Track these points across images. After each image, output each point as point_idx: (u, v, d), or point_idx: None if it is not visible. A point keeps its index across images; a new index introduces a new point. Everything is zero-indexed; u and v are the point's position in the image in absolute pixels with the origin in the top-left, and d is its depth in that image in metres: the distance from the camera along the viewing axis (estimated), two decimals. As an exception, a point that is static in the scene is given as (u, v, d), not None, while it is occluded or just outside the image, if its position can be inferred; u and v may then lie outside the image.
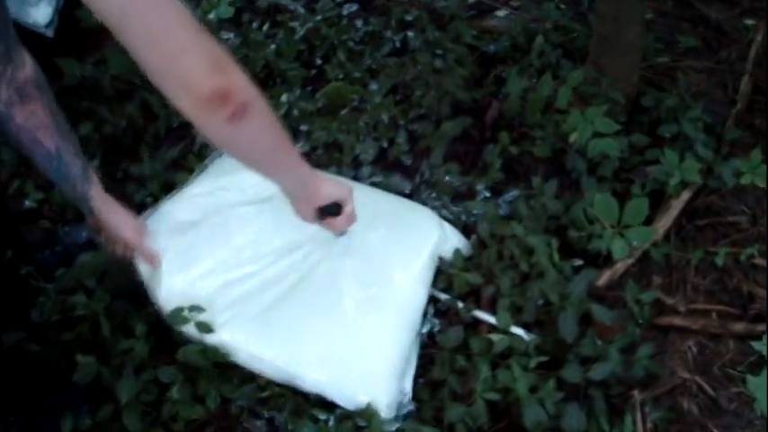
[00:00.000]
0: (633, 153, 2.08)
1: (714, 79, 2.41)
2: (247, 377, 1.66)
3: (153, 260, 1.71)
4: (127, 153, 2.22)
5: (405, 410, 1.62)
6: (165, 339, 1.71)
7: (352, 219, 1.50)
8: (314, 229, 1.57)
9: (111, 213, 1.67)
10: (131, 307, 1.75)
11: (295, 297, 1.70)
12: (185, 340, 1.68)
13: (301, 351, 1.63)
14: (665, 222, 1.94)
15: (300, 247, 1.75)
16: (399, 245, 1.76)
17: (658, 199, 1.99)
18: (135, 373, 1.63)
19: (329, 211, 1.42)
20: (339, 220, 1.47)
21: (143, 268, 1.74)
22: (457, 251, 1.81)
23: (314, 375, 1.61)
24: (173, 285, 1.70)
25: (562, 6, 2.70)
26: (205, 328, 1.64)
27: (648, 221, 1.92)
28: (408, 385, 1.66)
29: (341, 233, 1.60)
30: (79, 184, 1.58)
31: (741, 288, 1.85)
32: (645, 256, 1.89)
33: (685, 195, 1.97)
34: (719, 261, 1.85)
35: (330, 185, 1.43)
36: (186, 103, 1.12)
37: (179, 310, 1.66)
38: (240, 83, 1.14)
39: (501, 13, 2.75)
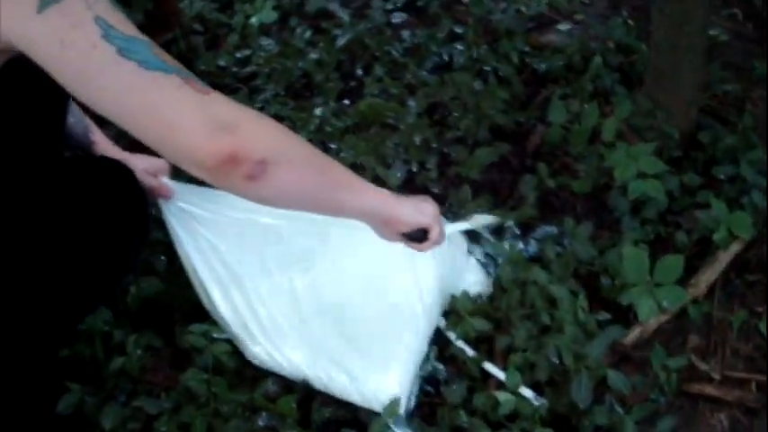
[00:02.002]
0: (684, 193, 1.91)
1: (786, 113, 2.22)
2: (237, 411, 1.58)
3: (167, 192, 1.63)
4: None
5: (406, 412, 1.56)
6: (166, 354, 1.68)
7: (439, 242, 1.33)
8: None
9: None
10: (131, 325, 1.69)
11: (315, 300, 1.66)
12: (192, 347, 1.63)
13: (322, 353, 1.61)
14: (708, 276, 1.77)
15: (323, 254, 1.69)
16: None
17: (707, 246, 1.83)
18: (127, 397, 1.59)
19: (414, 237, 1.29)
20: (425, 245, 1.32)
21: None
22: (464, 293, 1.69)
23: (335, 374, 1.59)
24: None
25: (630, 22, 2.52)
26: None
27: (693, 271, 1.76)
28: (414, 389, 1.60)
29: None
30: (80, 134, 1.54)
31: (787, 357, 1.68)
32: (682, 312, 1.73)
33: (735, 248, 1.80)
34: (764, 327, 1.68)
35: (410, 212, 1.26)
36: (196, 173, 1.00)
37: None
38: (250, 139, 1.00)
39: (563, 26, 2.59)
